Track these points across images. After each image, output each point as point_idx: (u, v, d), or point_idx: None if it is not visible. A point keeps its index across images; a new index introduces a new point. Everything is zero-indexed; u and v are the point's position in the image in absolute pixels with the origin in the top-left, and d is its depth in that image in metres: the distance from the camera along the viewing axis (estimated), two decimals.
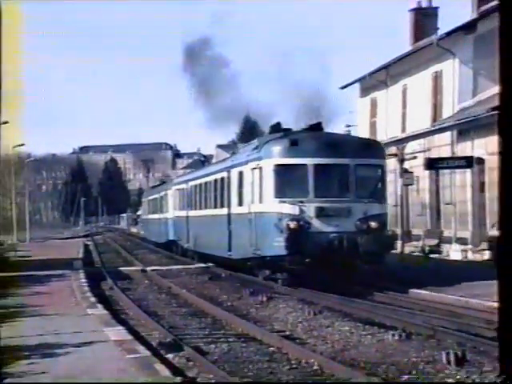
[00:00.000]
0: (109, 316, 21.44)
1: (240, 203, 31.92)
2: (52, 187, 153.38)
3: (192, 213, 45.15)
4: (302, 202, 26.61)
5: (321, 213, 26.66)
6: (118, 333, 18.26)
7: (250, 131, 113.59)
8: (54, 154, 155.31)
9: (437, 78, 42.49)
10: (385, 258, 27.90)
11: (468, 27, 37.88)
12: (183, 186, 49.09)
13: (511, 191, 7.82)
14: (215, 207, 37.70)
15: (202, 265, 40.80)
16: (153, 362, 14.62)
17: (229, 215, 33.85)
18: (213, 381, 11.57)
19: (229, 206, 34.04)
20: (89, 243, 74.13)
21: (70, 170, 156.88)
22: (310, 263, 25.79)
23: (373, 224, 26.56)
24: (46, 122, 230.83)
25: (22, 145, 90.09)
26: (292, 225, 26.09)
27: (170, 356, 16.01)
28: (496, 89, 39.24)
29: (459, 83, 39.74)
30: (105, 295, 28.48)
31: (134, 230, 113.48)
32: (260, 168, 28.25)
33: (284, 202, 26.65)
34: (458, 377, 13.96)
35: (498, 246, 7.13)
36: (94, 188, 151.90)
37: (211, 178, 39.49)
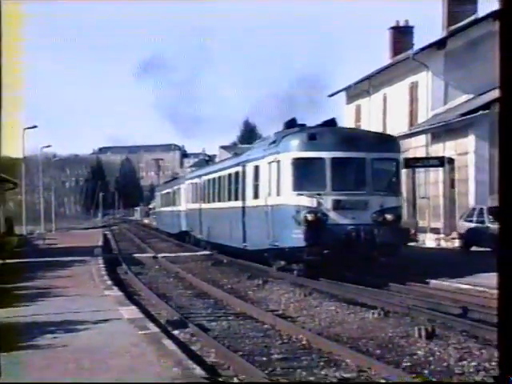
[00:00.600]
0: (123, 297, 21.46)
1: (256, 196, 29.77)
2: (74, 184, 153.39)
3: (205, 205, 42.58)
4: (319, 194, 24.59)
5: (338, 205, 24.63)
6: (131, 312, 18.29)
7: (249, 134, 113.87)
8: (77, 155, 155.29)
9: (413, 88, 42.54)
10: (401, 250, 25.92)
11: (439, 44, 37.95)
12: (196, 180, 46.43)
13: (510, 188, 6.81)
14: (229, 200, 35.33)
15: (206, 252, 40.66)
16: (161, 337, 14.67)
17: (243, 208, 31.57)
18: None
19: (243, 199, 31.78)
20: (107, 233, 74.06)
21: (90, 168, 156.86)
22: (328, 255, 23.76)
23: (389, 216, 24.63)
24: (69, 126, 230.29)
25: (49, 146, 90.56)
26: (310, 217, 24.06)
27: (176, 332, 16.08)
28: (464, 97, 39.47)
29: (432, 93, 39.85)
30: (120, 279, 28.47)
31: (146, 221, 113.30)
32: (278, 162, 26.31)
33: (302, 194, 24.71)
34: (428, 347, 14.04)
35: (498, 246, 6.62)
36: (111, 184, 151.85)
37: (225, 173, 37.03)
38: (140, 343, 14.04)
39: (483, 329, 15.31)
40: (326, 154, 25.00)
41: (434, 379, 10.89)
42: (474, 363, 12.82)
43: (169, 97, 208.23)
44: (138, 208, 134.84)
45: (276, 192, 26.35)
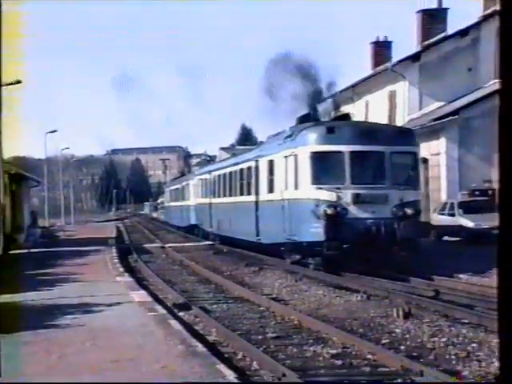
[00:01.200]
0: (134, 282, 21.48)
1: (270, 190, 27.00)
2: (90, 181, 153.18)
3: (215, 200, 39.58)
4: (338, 188, 21.90)
5: (357, 199, 21.92)
6: (140, 295, 18.31)
7: (245, 137, 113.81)
8: (92, 155, 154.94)
9: (392, 96, 42.48)
10: (420, 245, 23.33)
11: (414, 57, 38.03)
12: (206, 176, 43.35)
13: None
14: (241, 194, 32.62)
15: (208, 242, 40.52)
16: (168, 318, 14.72)
17: (256, 202, 28.99)
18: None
19: (257, 194, 29.09)
20: (119, 225, 74.04)
21: (104, 168, 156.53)
22: (348, 249, 21.28)
23: (409, 210, 22.01)
24: (84, 129, 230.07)
25: (68, 148, 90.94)
26: (329, 211, 21.46)
27: (181, 314, 16.12)
28: (436, 104, 39.44)
29: (408, 100, 39.84)
30: (131, 266, 28.49)
31: (154, 214, 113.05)
32: (295, 155, 23.50)
33: (321, 188, 22.02)
34: (404, 326, 14.06)
35: (499, 247, 6.00)
36: (122, 182, 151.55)
37: (236, 168, 34.17)
38: (149, 323, 14.07)
39: (453, 309, 15.37)
40: (344, 148, 22.49)
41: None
42: (444, 339, 12.86)
43: (174, 102, 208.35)
44: (146, 203, 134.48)
45: (293, 186, 23.78)
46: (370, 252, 21.47)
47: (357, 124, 26.21)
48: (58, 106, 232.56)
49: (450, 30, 38.07)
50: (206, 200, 42.30)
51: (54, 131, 69.91)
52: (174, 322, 14.15)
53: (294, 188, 23.70)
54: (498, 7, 34.88)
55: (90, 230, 59.57)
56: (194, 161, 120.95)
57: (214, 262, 30.32)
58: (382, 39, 45.68)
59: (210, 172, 42.44)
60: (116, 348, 11.72)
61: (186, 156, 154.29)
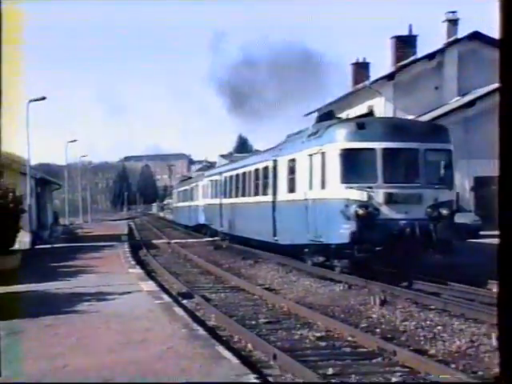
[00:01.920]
0: (143, 274, 21.40)
1: (291, 190, 23.41)
2: (105, 185, 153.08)
3: (226, 200, 35.85)
4: (370, 187, 18.61)
5: (390, 199, 18.62)
6: (149, 285, 18.27)
7: (242, 146, 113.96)
8: (107, 162, 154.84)
9: (370, 110, 42.57)
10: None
11: (389, 76, 38.13)
12: (216, 177, 39.77)
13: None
14: (256, 195, 28.99)
15: (209, 238, 40.27)
16: (172, 305, 14.68)
17: (273, 202, 25.46)
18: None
19: (274, 194, 25.55)
20: (130, 223, 73.88)
21: (117, 173, 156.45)
22: (380, 252, 18.02)
23: (444, 211, 18.62)
24: (100, 138, 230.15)
25: (86, 156, 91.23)
26: (361, 211, 18.16)
27: (184, 302, 16.10)
28: (408, 118, 39.46)
29: (385, 114, 39.86)
30: (141, 259, 28.39)
31: (161, 214, 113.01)
32: (322, 153, 20.06)
33: (351, 187, 18.69)
34: (380, 312, 14.10)
35: (500, 247, 5.48)
36: (133, 185, 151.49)
37: (250, 169, 30.63)
38: (156, 310, 14.03)
39: (422, 296, 15.39)
40: (376, 145, 19.12)
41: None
42: (414, 323, 12.92)
43: (179, 114, 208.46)
44: (154, 204, 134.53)
45: (320, 185, 20.30)
46: (403, 255, 18.25)
47: (389, 120, 23.26)
48: (78, 118, 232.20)
49: (420, 54, 38.28)
50: (216, 200, 38.86)
51: (74, 141, 69.87)
52: (178, 309, 14.11)
53: (320, 187, 20.33)
54: (458, 36, 35.24)
55: (105, 228, 59.51)
56: (196, 166, 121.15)
57: (214, 256, 30.24)
58: (361, 61, 45.80)
59: (220, 173, 38.99)
60: (127, 331, 11.69)
61: (189, 162, 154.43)
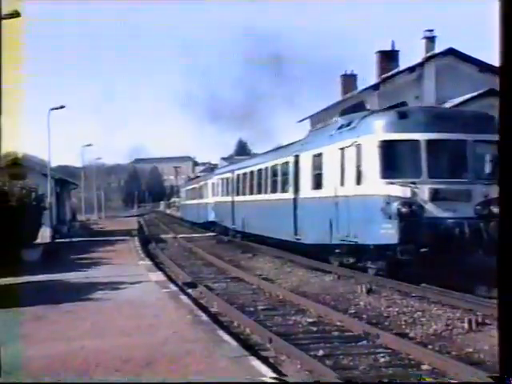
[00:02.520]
0: (152, 265, 21.43)
1: (317, 186, 20.02)
2: (118, 185, 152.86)
3: (239, 198, 32.21)
4: (413, 183, 15.33)
5: (436, 196, 15.26)
6: (157, 276, 18.28)
7: (242, 149, 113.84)
8: (119, 164, 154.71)
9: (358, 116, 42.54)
10: None
11: (374, 87, 38.06)
12: (228, 175, 35.90)
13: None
14: (273, 192, 25.45)
15: (212, 233, 39.92)
16: (178, 294, 14.73)
17: (295, 199, 22.10)
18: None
19: (296, 190, 22.14)
20: (140, 220, 73.78)
21: (128, 174, 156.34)
22: (425, 254, 14.65)
23: (495, 209, 14.32)
24: (113, 142, 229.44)
25: (100, 158, 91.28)
26: (404, 209, 14.96)
27: (189, 291, 16.07)
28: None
29: None
30: (150, 252, 28.38)
31: (168, 211, 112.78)
32: (358, 146, 16.66)
33: (393, 183, 15.34)
34: (367, 299, 14.08)
35: (500, 247, 4.97)
36: (143, 185, 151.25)
37: (266, 165, 26.97)
38: (163, 298, 14.06)
39: (404, 285, 15.36)
40: (420, 136, 15.75)
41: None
42: (396, 309, 12.90)
43: (184, 121, 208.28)
44: (162, 202, 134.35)
45: (354, 181, 16.90)
46: (450, 257, 14.95)
47: (433, 108, 19.48)
48: (93, 124, 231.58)
49: (402, 67, 38.30)
50: (228, 198, 35.04)
51: (90, 145, 70.30)
52: (183, 297, 14.16)
53: (355, 183, 16.97)
54: (436, 51, 35.31)
55: (117, 224, 59.46)
56: (200, 168, 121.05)
57: (216, 249, 30.20)
58: (349, 73, 45.86)
59: (232, 171, 35.02)
60: (137, 317, 11.69)
61: (194, 164, 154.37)
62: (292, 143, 25.39)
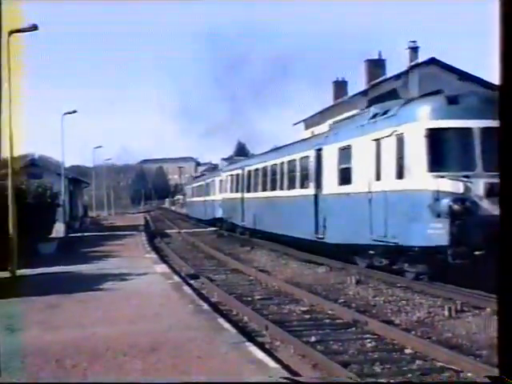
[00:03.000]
0: (157, 258, 21.43)
1: (344, 181, 17.02)
2: (126, 183, 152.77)
3: (249, 195, 28.96)
4: (466, 176, 12.76)
5: (492, 191, 12.30)
6: (162, 268, 18.29)
7: (241, 150, 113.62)
8: (127, 164, 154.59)
9: None
10: None
11: (364, 93, 38.09)
12: (237, 171, 32.36)
13: None
14: (290, 188, 22.35)
15: (212, 228, 39.89)
16: (182, 284, 14.75)
17: (316, 196, 19.22)
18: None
19: (318, 186, 19.19)
20: (147, 216, 73.75)
21: (136, 173, 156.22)
22: (480, 257, 11.94)
23: None
24: (122, 144, 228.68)
25: (110, 159, 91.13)
26: (456, 207, 12.34)
27: (191, 281, 16.08)
28: None
29: None
30: (156, 246, 28.37)
31: (172, 208, 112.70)
32: (399, 135, 13.85)
33: (442, 177, 12.62)
34: (356, 289, 14.10)
35: (500, 247, 4.55)
36: (149, 184, 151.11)
37: (282, 160, 23.72)
38: (168, 288, 14.05)
39: (391, 277, 15.37)
40: (473, 123, 12.98)
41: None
42: (383, 298, 12.97)
43: (187, 123, 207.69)
44: (166, 199, 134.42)
45: (395, 174, 14.04)
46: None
47: (487, 92, 15.57)
48: (104, 127, 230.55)
49: (389, 74, 38.40)
50: (237, 195, 31.60)
51: (100, 147, 70.07)
52: (186, 288, 14.16)
53: (396, 177, 14.16)
54: (419, 60, 35.39)
55: (126, 220, 59.46)
56: (202, 168, 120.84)
57: (217, 243, 30.20)
58: (340, 79, 45.95)
59: (242, 168, 31.56)
60: (144, 306, 11.71)
61: (196, 164, 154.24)
62: (312, 137, 23.13)
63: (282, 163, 23.81)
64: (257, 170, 28.24)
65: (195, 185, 56.88)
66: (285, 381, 6.07)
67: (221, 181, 38.83)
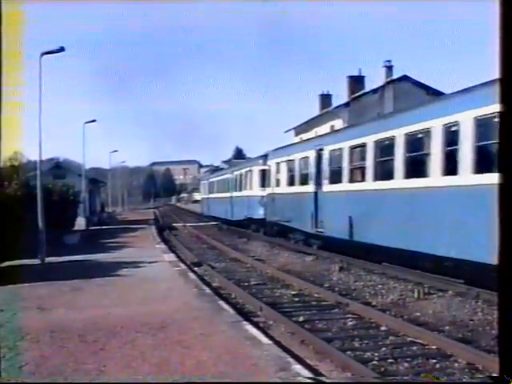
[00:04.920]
0: (166, 248, 21.37)
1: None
2: (138, 183, 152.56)
3: (335, 187, 17.13)
4: None
5: None
6: (170, 257, 18.26)
7: (239, 154, 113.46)
8: (139, 166, 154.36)
9: (332, 128, 42.45)
10: None
11: (346, 104, 38.16)
12: (305, 154, 20.15)
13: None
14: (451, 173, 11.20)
15: (214, 222, 39.24)
16: (187, 271, 14.73)
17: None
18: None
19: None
20: (156, 211, 73.53)
21: (146, 174, 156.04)
22: None
23: None
24: (134, 148, 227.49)
25: (124, 162, 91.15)
26: None
27: (195, 269, 16.05)
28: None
29: None
30: (165, 238, 28.24)
31: (178, 204, 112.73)
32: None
33: None
34: (339, 276, 14.08)
35: (500, 246, 4.07)
36: (158, 183, 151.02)
37: (381, 137, 14.25)
38: (175, 275, 14.07)
39: (369, 264, 15.28)
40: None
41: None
42: (362, 283, 12.99)
43: (192, 129, 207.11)
44: (173, 197, 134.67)
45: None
46: None
47: None
48: (119, 134, 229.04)
49: (367, 89, 38.50)
50: (300, 188, 20.31)
51: (116, 151, 70.46)
52: (191, 274, 14.16)
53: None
54: (394, 76, 35.50)
55: (138, 215, 59.31)
56: (205, 169, 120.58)
57: (218, 235, 30.05)
58: (325, 93, 46.09)
59: (317, 147, 18.96)
60: (154, 290, 11.71)
61: (199, 166, 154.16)
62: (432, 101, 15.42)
63: (388, 138, 13.93)
64: (353, 147, 16.12)
65: (215, 179, 42.20)
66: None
67: (263, 171, 26.75)
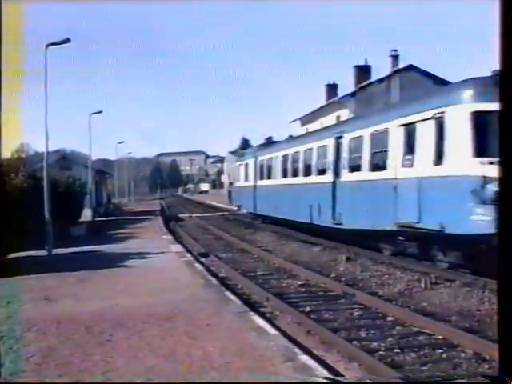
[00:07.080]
0: (173, 239, 21.38)
1: None
2: (144, 174, 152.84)
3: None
4: None
5: None
6: (177, 248, 18.28)
7: (245, 144, 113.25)
8: (146, 157, 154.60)
9: (338, 118, 42.26)
10: None
11: (352, 94, 38.02)
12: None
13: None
14: None
15: (220, 213, 39.57)
16: (193, 262, 14.74)
17: None
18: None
19: None
20: (162, 202, 73.63)
21: (153, 165, 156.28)
22: None
23: None
24: (140, 139, 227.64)
25: (130, 153, 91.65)
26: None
27: (202, 259, 16.08)
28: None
29: None
30: (171, 229, 28.25)
31: (184, 195, 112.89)
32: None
33: None
34: (345, 266, 14.09)
35: (498, 249, 4.04)
36: (164, 174, 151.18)
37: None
38: (181, 265, 14.10)
39: (375, 254, 15.37)
40: None
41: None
42: (368, 273, 12.95)
43: (196, 120, 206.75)
44: (179, 188, 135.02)
45: None
46: None
47: None
48: (126, 124, 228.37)
49: (374, 78, 38.30)
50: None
51: (122, 142, 70.35)
52: (197, 265, 14.18)
53: None
54: (399, 66, 35.31)
55: (144, 206, 59.30)
56: (211, 160, 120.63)
57: (225, 225, 29.95)
58: (332, 83, 45.88)
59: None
60: (160, 280, 11.74)
61: (206, 157, 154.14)
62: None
63: None
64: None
65: (264, 157, 26.48)
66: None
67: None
